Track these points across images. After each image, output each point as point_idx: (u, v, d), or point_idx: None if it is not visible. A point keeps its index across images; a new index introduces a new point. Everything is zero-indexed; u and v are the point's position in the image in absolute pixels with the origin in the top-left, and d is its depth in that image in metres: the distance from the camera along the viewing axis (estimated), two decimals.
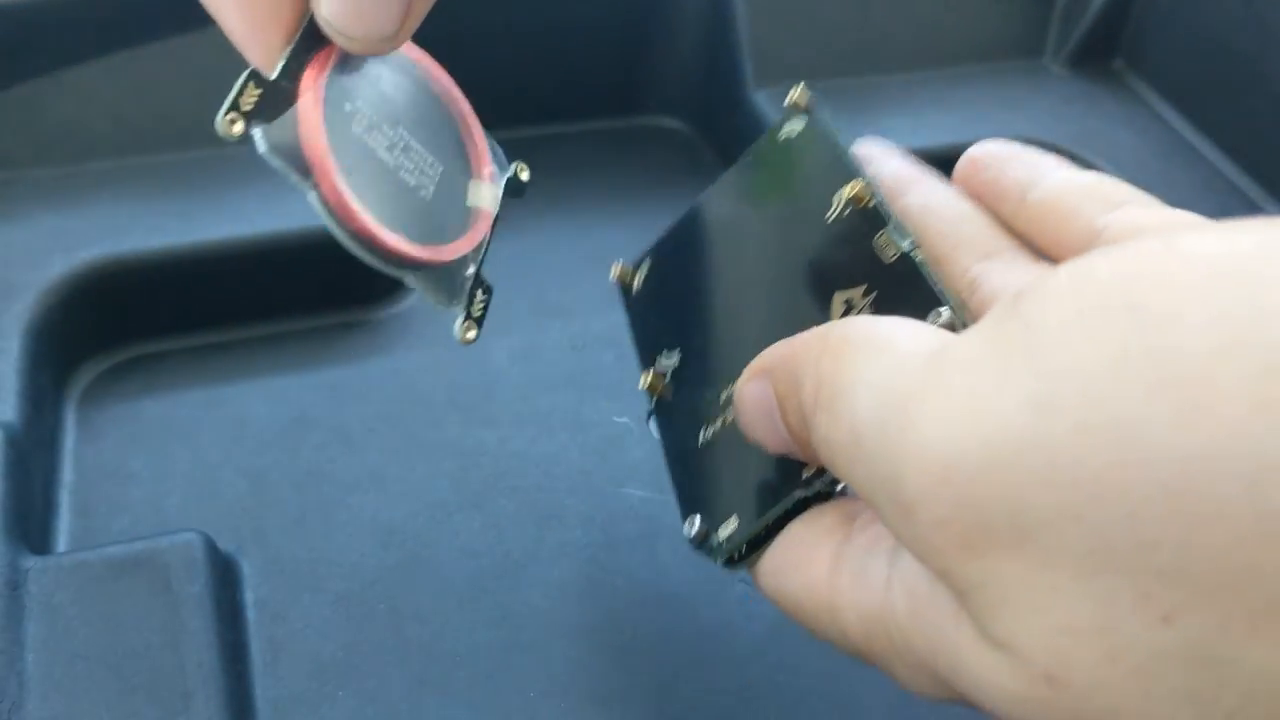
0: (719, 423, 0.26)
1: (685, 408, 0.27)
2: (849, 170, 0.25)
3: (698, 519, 0.25)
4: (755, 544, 0.23)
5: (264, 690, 0.29)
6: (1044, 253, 0.23)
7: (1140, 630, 0.14)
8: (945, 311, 0.21)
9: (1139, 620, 0.14)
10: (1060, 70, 0.53)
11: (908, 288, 0.22)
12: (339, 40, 0.21)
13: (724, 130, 0.48)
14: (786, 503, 0.23)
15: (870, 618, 0.19)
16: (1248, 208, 0.47)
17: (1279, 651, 0.13)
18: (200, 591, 0.29)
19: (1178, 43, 0.51)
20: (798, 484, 0.23)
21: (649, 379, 0.28)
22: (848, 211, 0.24)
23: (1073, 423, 0.14)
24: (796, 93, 0.27)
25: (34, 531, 0.32)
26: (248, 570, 0.32)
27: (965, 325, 0.21)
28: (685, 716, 0.30)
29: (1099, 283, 0.14)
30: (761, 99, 0.46)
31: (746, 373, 0.22)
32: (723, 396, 0.26)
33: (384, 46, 0.22)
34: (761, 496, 0.24)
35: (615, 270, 0.31)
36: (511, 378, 0.39)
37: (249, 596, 0.31)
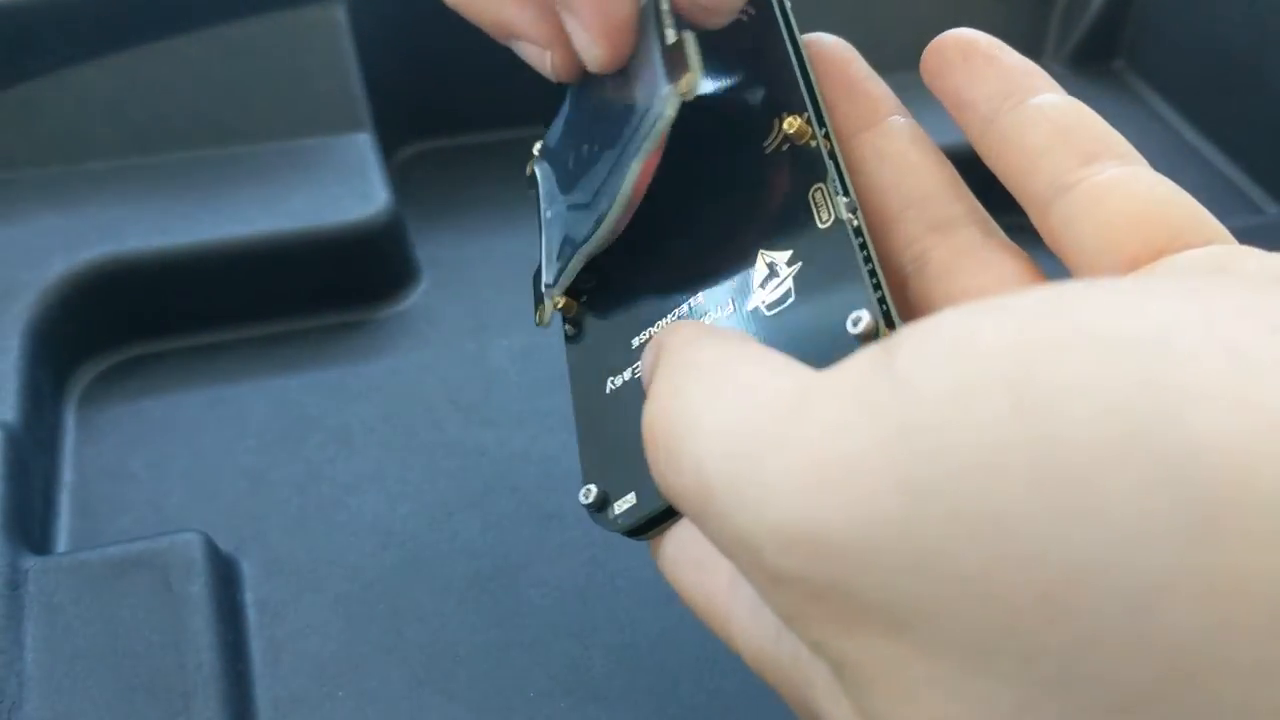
0: (627, 373, 0.23)
1: (597, 346, 0.24)
2: (791, 90, 0.22)
3: (594, 489, 0.23)
4: (656, 520, 0.22)
5: (264, 690, 0.29)
6: (1008, 188, 0.22)
7: None
8: (865, 318, 0.19)
9: None
10: (1060, 70, 0.53)
11: (837, 267, 0.20)
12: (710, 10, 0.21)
13: None
14: None
15: (761, 657, 0.18)
16: (1248, 208, 0.47)
17: None
18: (200, 591, 0.29)
19: (1178, 43, 0.51)
20: None
21: (544, 315, 0.25)
22: (785, 147, 0.22)
23: (947, 512, 0.12)
24: None
25: (34, 531, 0.32)
26: (248, 570, 0.32)
27: (893, 326, 0.19)
28: (685, 716, 0.29)
29: (982, 354, 0.12)
30: None
31: (650, 346, 0.20)
32: (635, 341, 0.23)
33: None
34: None
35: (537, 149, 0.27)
36: (511, 378, 0.39)
37: (249, 596, 0.31)
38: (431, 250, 0.43)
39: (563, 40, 0.23)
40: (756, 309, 0.21)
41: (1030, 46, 0.53)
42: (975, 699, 0.13)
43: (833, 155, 0.21)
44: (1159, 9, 0.52)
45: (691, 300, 0.23)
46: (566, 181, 0.25)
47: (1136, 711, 0.11)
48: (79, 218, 0.40)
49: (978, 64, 0.22)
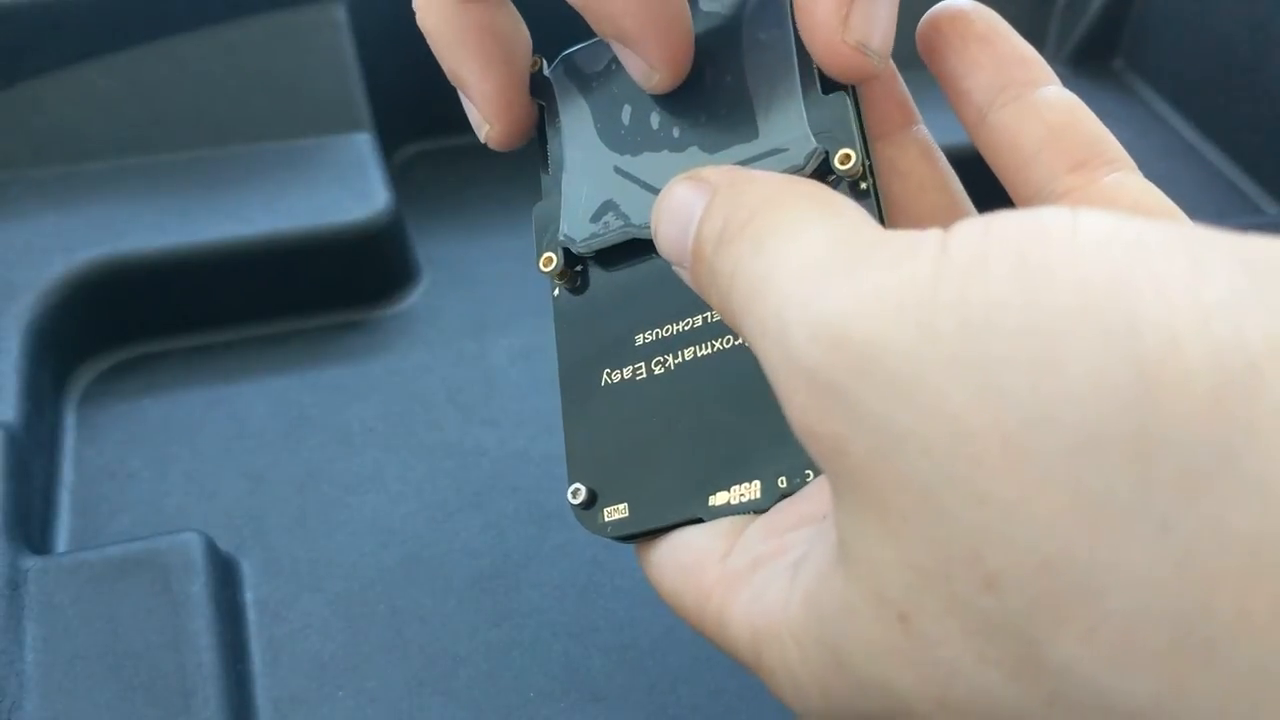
0: (628, 371, 0.23)
1: (594, 327, 0.23)
2: (842, 124, 0.21)
3: (582, 489, 0.22)
4: (646, 534, 0.22)
5: (264, 690, 0.29)
6: (1001, 183, 0.22)
7: (967, 590, 0.14)
8: None
9: (966, 579, 0.14)
10: (1060, 70, 0.53)
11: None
12: (871, 62, 0.21)
13: None
14: (688, 516, 0.21)
15: (765, 633, 0.18)
16: (1248, 208, 0.47)
17: (1083, 649, 0.13)
18: (200, 591, 0.29)
19: (1178, 43, 0.51)
20: (704, 507, 0.21)
21: (552, 263, 0.24)
22: (832, 179, 0.22)
23: (949, 354, 0.14)
24: None
25: (34, 531, 0.32)
26: (248, 570, 0.32)
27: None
28: (685, 716, 0.29)
29: (999, 236, 0.14)
30: None
31: (691, 173, 0.20)
32: (639, 339, 0.23)
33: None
34: (663, 497, 0.22)
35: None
36: (511, 378, 0.39)
37: (249, 596, 0.31)
38: (431, 250, 0.43)
39: (508, 113, 0.24)
40: None
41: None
42: (937, 542, 0.14)
43: (877, 194, 0.21)
44: (1159, 9, 0.52)
45: (710, 314, 0.22)
46: (617, 137, 0.23)
47: (1058, 571, 0.13)
48: (79, 218, 0.40)
49: (973, 49, 0.22)
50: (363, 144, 0.44)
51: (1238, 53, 0.48)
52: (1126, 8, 0.53)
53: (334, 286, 0.41)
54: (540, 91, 0.25)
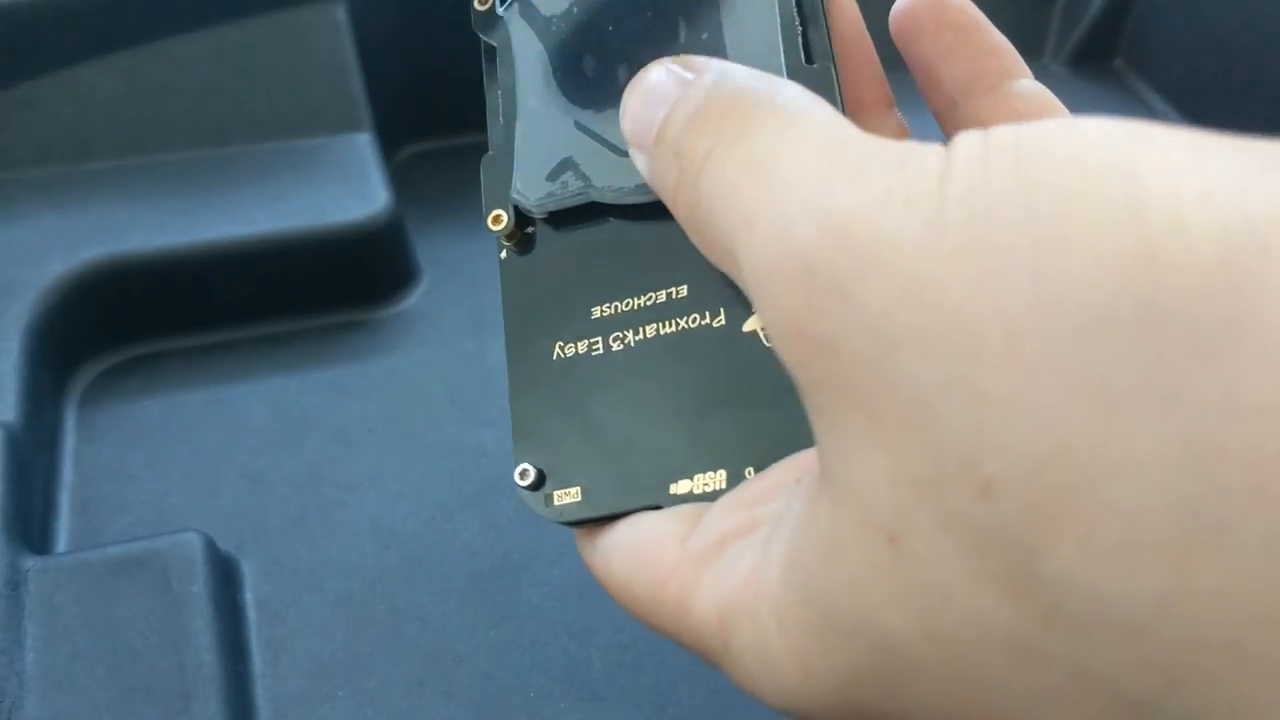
0: (584, 346, 0.21)
1: (546, 296, 0.22)
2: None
3: (532, 471, 0.21)
4: (596, 520, 0.21)
5: (264, 690, 0.29)
6: None
7: (961, 499, 0.13)
8: None
9: (960, 487, 0.13)
10: (1060, 70, 0.53)
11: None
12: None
13: None
14: (646, 504, 0.20)
15: (735, 611, 0.17)
16: None
17: (1082, 554, 0.12)
18: (200, 591, 0.29)
19: (1178, 43, 0.51)
20: (664, 495, 0.20)
21: (502, 221, 0.22)
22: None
23: (954, 246, 0.13)
24: None
25: (34, 531, 0.32)
26: (247, 570, 0.32)
27: None
28: (685, 717, 0.29)
29: (997, 142, 0.14)
30: None
31: (675, 57, 0.19)
32: (595, 312, 0.21)
33: None
34: (619, 482, 0.20)
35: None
36: None
37: (249, 596, 0.31)
38: (431, 250, 0.43)
39: None
40: (755, 333, 0.20)
41: (1030, 46, 0.53)
42: (930, 450, 0.13)
43: None
44: (1159, 9, 0.52)
45: (674, 290, 0.21)
46: (579, 89, 0.22)
47: (1050, 470, 0.12)
48: (79, 218, 0.40)
49: (948, 38, 0.22)
50: (363, 144, 0.43)
51: (1238, 53, 0.48)
52: (1126, 8, 0.53)
53: (334, 286, 0.41)
54: (489, 28, 0.23)
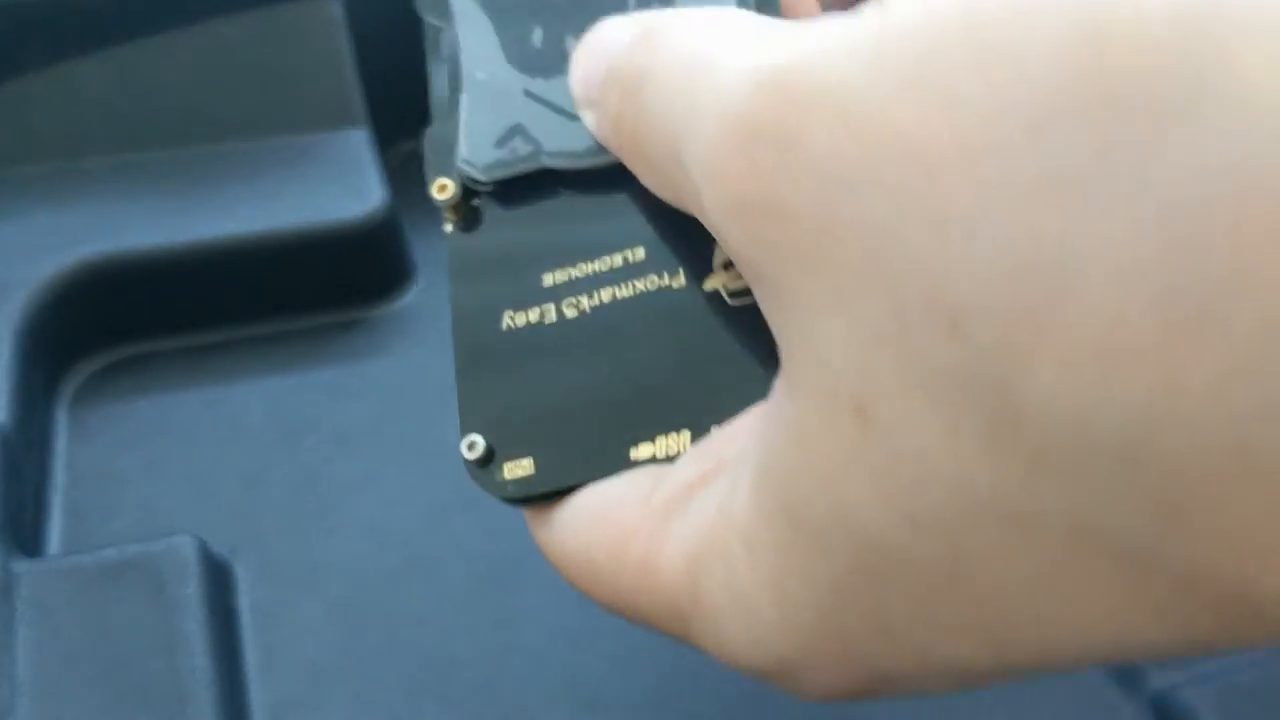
0: (534, 314, 0.20)
1: (493, 266, 0.21)
2: None
3: (480, 442, 0.20)
4: (548, 495, 0.20)
5: (259, 695, 0.29)
6: None
7: (929, 342, 0.12)
8: None
9: (927, 328, 0.12)
10: None
11: None
12: None
13: None
14: (602, 471, 0.19)
15: (705, 554, 0.16)
16: None
17: (1061, 373, 0.11)
18: (194, 595, 0.29)
19: None
20: (624, 462, 0.19)
21: (447, 190, 0.21)
22: None
23: (899, 79, 0.12)
24: None
25: (26, 534, 0.31)
26: (242, 574, 0.32)
27: None
28: None
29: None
30: None
31: (618, 19, 0.19)
32: (548, 279, 0.20)
33: None
34: (574, 451, 0.19)
35: None
36: None
37: (243, 600, 0.31)
38: (428, 248, 0.43)
39: None
40: (717, 291, 0.20)
41: None
42: (891, 299, 0.12)
43: None
44: None
45: (630, 253, 0.20)
46: (528, 59, 0.22)
47: (1024, 291, 0.11)
48: (71, 215, 0.39)
49: None
50: (359, 141, 0.43)
51: None
52: None
53: (330, 285, 0.40)
54: (432, 9, 0.23)
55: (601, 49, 0.19)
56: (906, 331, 0.12)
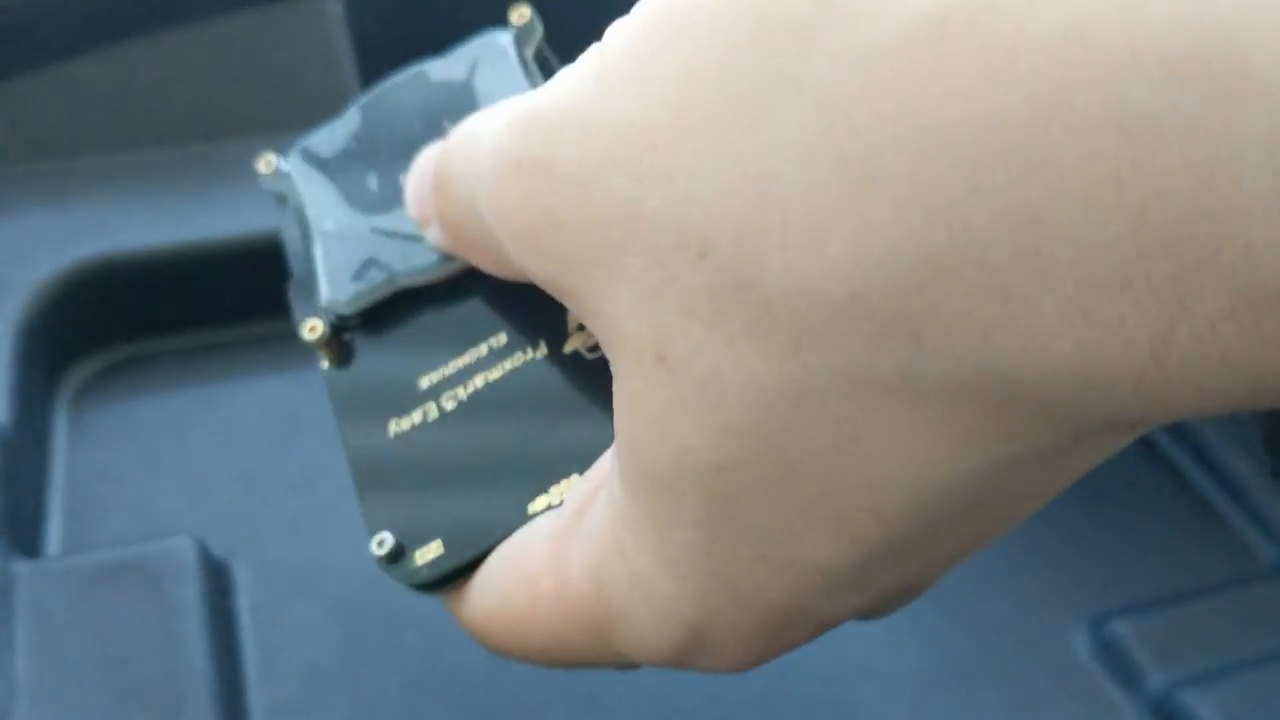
0: (417, 416, 0.22)
1: (371, 382, 0.23)
2: None
3: (389, 538, 0.21)
4: (462, 571, 0.21)
5: (257, 697, 0.29)
6: None
7: (688, 273, 0.14)
8: None
9: (682, 262, 0.14)
10: None
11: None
12: None
13: None
14: (505, 531, 0.20)
15: (603, 558, 0.17)
16: None
17: (787, 260, 0.13)
18: (192, 596, 0.29)
19: None
20: (523, 517, 0.20)
21: (317, 330, 0.23)
22: None
23: (616, 85, 0.15)
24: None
25: (24, 535, 0.31)
26: (241, 575, 0.32)
27: None
28: None
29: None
30: None
31: (437, 143, 0.22)
32: (424, 383, 0.22)
33: None
34: (476, 521, 0.21)
35: (264, 165, 0.25)
36: None
37: (242, 601, 0.31)
38: None
39: None
40: (576, 352, 0.21)
41: None
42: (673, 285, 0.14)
43: None
44: None
45: (493, 340, 0.22)
46: (369, 201, 0.24)
47: (737, 187, 0.13)
48: (70, 215, 0.39)
49: None
50: None
51: None
52: None
53: None
54: (277, 186, 0.25)
55: (423, 169, 0.22)
56: (669, 274, 0.14)
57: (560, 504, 0.20)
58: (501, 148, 0.16)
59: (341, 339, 0.23)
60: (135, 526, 0.33)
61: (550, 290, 0.16)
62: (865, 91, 0.12)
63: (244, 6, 0.43)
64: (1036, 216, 0.11)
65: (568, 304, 0.16)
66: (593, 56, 0.15)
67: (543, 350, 0.22)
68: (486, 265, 0.20)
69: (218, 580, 0.31)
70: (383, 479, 0.22)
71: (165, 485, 0.34)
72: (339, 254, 0.23)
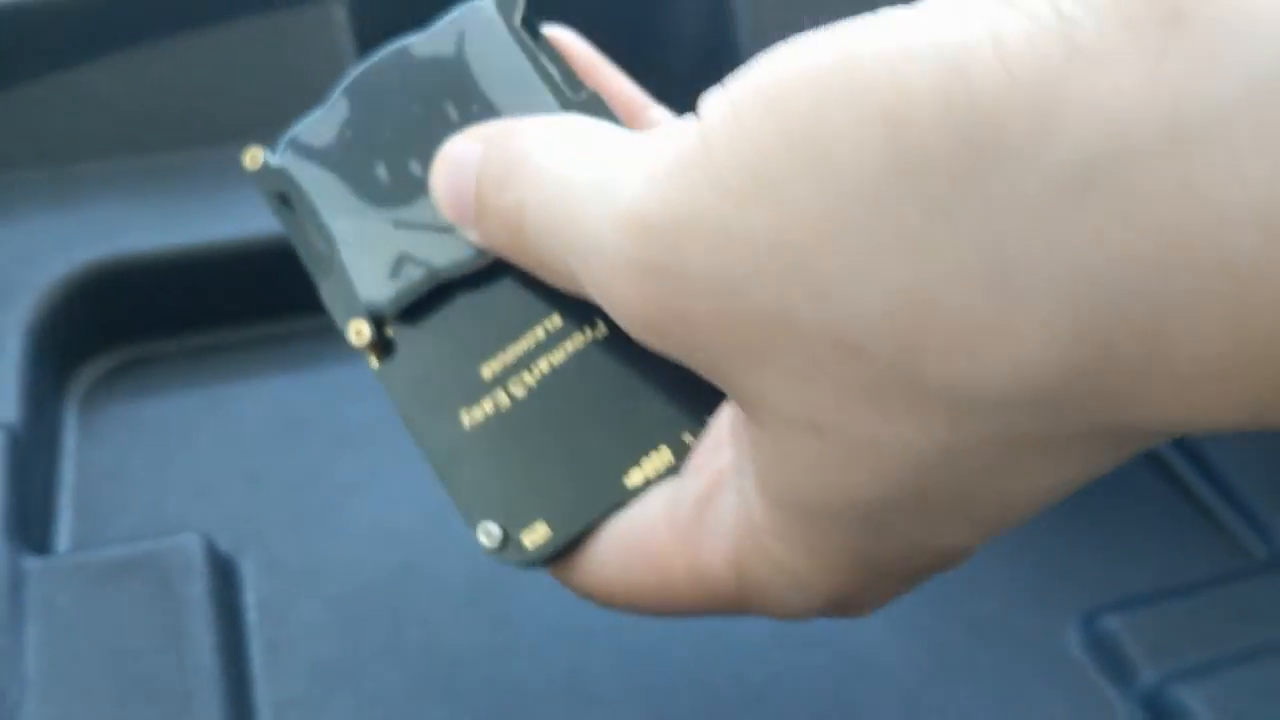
0: (490, 405, 0.22)
1: (430, 375, 0.23)
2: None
3: (494, 527, 0.22)
4: (570, 545, 0.22)
5: (263, 692, 0.29)
6: None
7: (844, 370, 0.15)
8: None
9: (838, 362, 0.15)
10: None
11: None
12: None
13: None
14: (610, 505, 0.21)
15: (746, 555, 0.19)
16: None
17: (944, 362, 0.15)
18: (200, 593, 0.29)
19: None
20: (622, 490, 0.21)
21: (364, 333, 0.23)
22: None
23: (739, 195, 0.15)
24: None
25: (34, 532, 0.32)
26: (247, 571, 0.32)
27: None
28: (684, 719, 0.30)
29: (753, 85, 0.16)
30: None
31: (465, 131, 0.22)
32: (489, 370, 0.22)
33: None
34: (577, 499, 0.21)
35: (250, 159, 0.24)
36: None
37: (248, 598, 0.31)
38: None
39: None
40: None
41: None
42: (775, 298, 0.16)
43: None
44: None
45: (547, 323, 0.22)
46: (383, 194, 0.23)
47: (897, 305, 0.15)
48: (78, 219, 0.40)
49: None
50: None
51: None
52: None
53: None
54: (270, 182, 0.24)
55: (459, 171, 0.21)
56: (826, 369, 0.16)
57: (656, 476, 0.21)
58: (619, 250, 0.17)
59: (384, 336, 0.23)
60: (143, 524, 0.33)
61: (663, 352, 0.18)
62: (1018, 233, 0.14)
63: (248, 12, 0.44)
64: (1162, 332, 0.13)
65: (698, 371, 0.18)
66: (696, 155, 0.16)
67: (601, 329, 0.22)
68: (553, 283, 0.20)
69: (224, 576, 0.31)
70: (468, 470, 0.22)
71: (173, 483, 0.35)
72: (366, 252, 0.23)
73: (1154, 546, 0.35)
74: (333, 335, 0.40)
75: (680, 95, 0.49)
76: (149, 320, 0.39)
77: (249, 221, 0.40)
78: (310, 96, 0.44)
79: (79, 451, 0.36)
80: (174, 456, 0.36)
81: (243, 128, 0.43)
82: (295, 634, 0.31)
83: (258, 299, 0.40)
